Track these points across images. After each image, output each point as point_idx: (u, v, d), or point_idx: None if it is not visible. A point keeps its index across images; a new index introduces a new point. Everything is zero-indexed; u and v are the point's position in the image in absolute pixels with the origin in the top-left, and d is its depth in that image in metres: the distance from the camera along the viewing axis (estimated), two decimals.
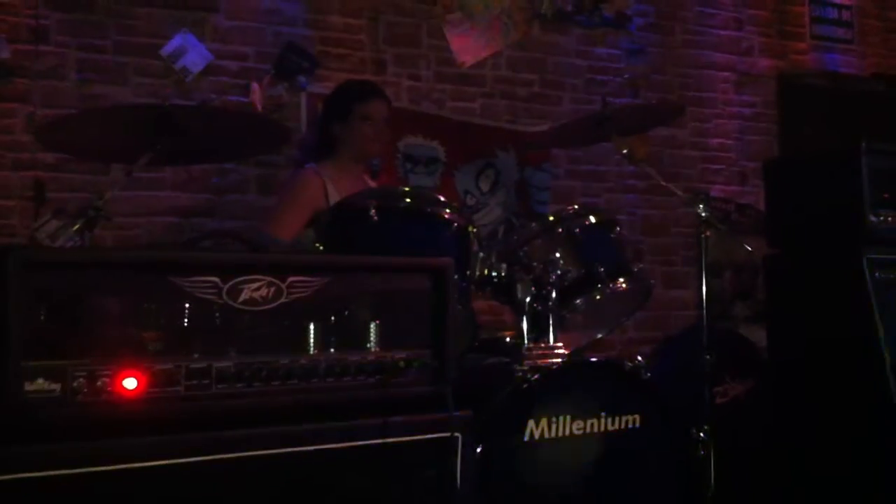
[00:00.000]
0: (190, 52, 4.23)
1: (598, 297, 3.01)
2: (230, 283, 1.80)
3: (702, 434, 3.06)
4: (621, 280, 3.04)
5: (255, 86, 4.35)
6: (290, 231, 3.44)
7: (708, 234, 3.22)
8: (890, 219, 3.26)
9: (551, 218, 3.07)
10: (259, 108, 4.33)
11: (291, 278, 1.87)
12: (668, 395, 2.84)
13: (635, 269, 3.14)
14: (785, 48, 5.90)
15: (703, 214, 3.22)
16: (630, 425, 2.76)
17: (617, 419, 2.73)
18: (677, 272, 5.40)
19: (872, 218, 3.22)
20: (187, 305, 1.76)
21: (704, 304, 3.19)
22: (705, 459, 3.03)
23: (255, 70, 4.40)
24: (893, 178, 3.29)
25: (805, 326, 3.35)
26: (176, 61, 4.21)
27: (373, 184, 3.90)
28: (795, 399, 3.33)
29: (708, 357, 3.14)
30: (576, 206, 3.19)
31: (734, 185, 5.62)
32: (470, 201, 4.78)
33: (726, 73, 5.70)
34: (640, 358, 2.93)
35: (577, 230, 3.01)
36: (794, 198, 3.45)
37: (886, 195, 3.27)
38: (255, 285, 1.83)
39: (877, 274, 3.17)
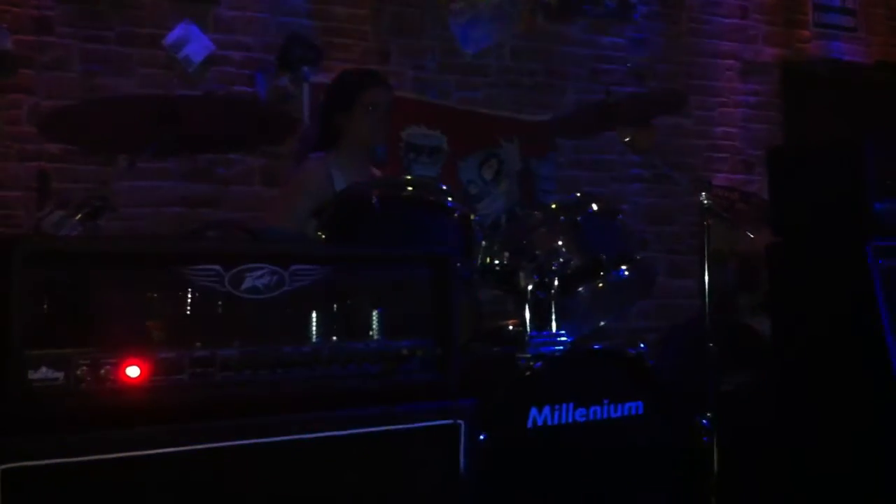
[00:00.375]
0: (192, 42, 4.23)
1: (600, 285, 3.01)
2: (233, 272, 1.80)
3: (705, 422, 3.06)
4: (624, 268, 3.04)
5: (259, 76, 4.36)
6: (297, 221, 3.43)
7: (710, 222, 3.22)
8: (895, 206, 3.25)
9: (554, 206, 3.07)
10: (264, 98, 4.33)
11: (294, 266, 1.88)
12: (671, 383, 2.85)
13: (638, 258, 3.14)
14: (789, 36, 5.88)
15: (706, 202, 3.21)
16: (633, 412, 2.77)
17: (620, 406, 2.74)
18: (682, 261, 5.38)
19: (877, 205, 3.21)
20: (190, 294, 1.76)
21: (707, 294, 3.19)
22: (709, 447, 3.03)
23: (259, 61, 4.40)
24: None
25: (809, 315, 3.34)
26: (178, 51, 4.21)
27: (379, 173, 3.90)
28: (799, 388, 3.33)
29: (712, 346, 3.14)
30: (578, 195, 3.19)
31: (739, 174, 5.61)
32: (473, 191, 4.78)
33: (731, 62, 5.69)
34: (643, 345, 2.94)
35: (580, 218, 3.01)
36: (797, 187, 3.43)
37: (891, 183, 3.26)
38: (258, 273, 1.83)
39: (881, 261, 3.17)
